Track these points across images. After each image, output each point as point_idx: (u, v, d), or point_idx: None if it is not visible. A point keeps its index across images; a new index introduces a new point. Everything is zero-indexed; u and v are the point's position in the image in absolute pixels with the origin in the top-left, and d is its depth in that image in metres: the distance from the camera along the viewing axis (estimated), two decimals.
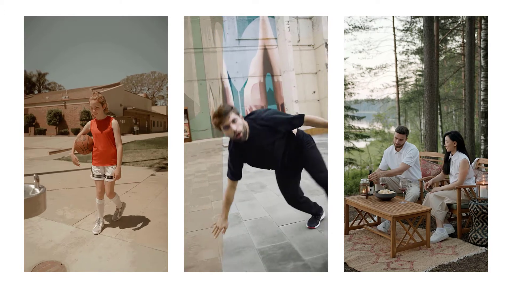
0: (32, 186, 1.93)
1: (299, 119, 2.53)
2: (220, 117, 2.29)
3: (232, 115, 2.32)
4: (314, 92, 18.08)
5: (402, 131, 3.86)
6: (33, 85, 41.13)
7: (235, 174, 2.66)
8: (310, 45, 18.07)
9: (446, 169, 3.67)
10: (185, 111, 12.25)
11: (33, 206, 1.78)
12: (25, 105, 26.42)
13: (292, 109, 13.58)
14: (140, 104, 32.89)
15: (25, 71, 39.36)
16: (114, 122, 3.40)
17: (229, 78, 16.50)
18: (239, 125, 2.34)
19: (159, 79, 47.71)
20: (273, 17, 13.83)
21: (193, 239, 3.36)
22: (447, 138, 3.56)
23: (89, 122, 3.45)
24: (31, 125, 25.78)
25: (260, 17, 14.05)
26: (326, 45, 17.13)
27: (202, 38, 13.39)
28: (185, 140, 12.02)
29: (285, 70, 13.57)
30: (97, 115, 3.35)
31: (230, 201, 2.74)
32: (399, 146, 3.90)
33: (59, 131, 24.67)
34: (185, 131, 12.07)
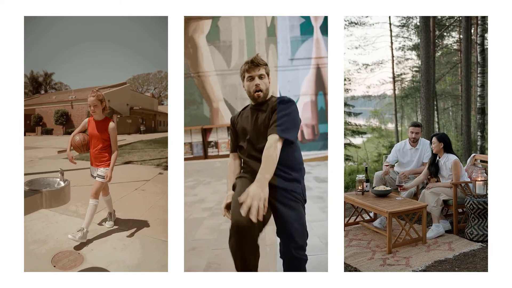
0: (58, 179, 2.15)
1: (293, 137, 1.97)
2: (252, 65, 2.04)
3: (263, 71, 2.08)
4: None
5: (418, 125, 3.85)
6: (39, 85, 41.28)
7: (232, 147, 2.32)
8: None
9: (434, 172, 3.60)
10: None
11: (59, 196, 2.00)
12: (32, 105, 26.59)
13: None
14: (147, 104, 32.66)
15: (31, 71, 39.87)
16: (111, 126, 3.23)
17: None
18: (264, 83, 2.07)
19: (165, 79, 47.54)
20: (326, 35, 13.86)
21: (215, 257, 3.06)
22: (434, 139, 3.53)
23: (86, 120, 3.31)
24: (38, 124, 25.98)
25: (313, 36, 14.09)
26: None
27: None
28: None
29: None
30: (96, 114, 3.19)
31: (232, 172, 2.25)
32: (415, 141, 3.87)
33: (66, 130, 24.80)
34: None
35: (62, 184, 2.09)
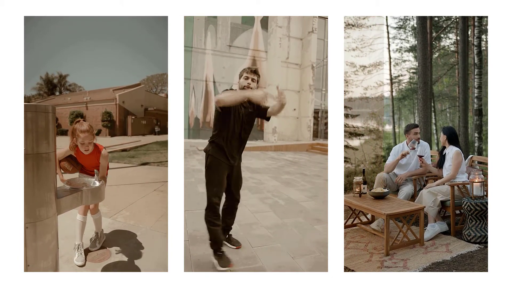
0: (93, 179, 2.38)
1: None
2: (253, 71, 2.72)
3: (257, 78, 2.75)
4: (294, 109, 18.82)
5: (418, 125, 3.95)
6: (54, 86, 41.68)
7: None
8: (297, 64, 18.52)
9: (441, 163, 3.72)
10: None
11: (97, 194, 2.23)
12: None
13: (270, 122, 13.67)
14: (161, 104, 32.37)
15: (46, 73, 41.33)
16: (103, 155, 2.85)
17: (214, 82, 16.52)
18: (253, 86, 2.72)
19: None
20: (266, 30, 13.88)
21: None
22: (441, 132, 3.72)
23: (67, 150, 2.86)
24: None
25: (254, 28, 14.09)
26: (313, 67, 18.16)
27: (194, 38, 13.24)
28: None
29: (270, 84, 13.59)
30: (89, 151, 2.80)
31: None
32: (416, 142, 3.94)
33: None
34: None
35: (98, 183, 2.31)
